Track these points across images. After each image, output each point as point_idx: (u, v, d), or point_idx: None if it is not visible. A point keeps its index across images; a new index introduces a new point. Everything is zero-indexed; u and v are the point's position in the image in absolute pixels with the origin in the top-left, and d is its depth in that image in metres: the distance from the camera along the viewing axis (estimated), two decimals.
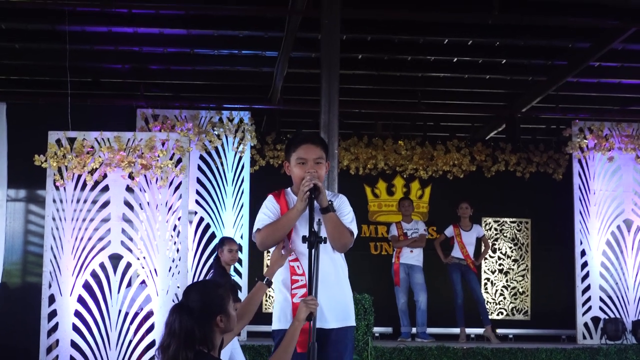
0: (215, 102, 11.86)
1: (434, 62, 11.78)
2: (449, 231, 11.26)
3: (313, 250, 4.13)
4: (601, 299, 10.87)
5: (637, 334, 10.68)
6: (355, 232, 4.55)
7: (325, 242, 4.24)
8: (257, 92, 12.59)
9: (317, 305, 4.04)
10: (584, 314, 10.82)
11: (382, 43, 11.19)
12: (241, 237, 10.68)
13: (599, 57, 10.93)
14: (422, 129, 13.84)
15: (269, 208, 4.54)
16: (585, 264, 10.93)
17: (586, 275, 10.90)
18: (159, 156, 9.05)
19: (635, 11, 9.72)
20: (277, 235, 4.43)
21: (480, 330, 11.85)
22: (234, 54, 11.52)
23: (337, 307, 4.50)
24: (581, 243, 10.96)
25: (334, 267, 4.53)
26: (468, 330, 11.18)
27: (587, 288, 10.88)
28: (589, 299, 10.86)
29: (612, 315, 10.80)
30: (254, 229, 4.53)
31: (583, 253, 10.95)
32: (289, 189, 4.64)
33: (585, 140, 11.14)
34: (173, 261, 9.00)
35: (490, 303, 12.44)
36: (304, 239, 4.20)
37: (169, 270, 8.95)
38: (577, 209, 11.02)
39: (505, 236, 12.66)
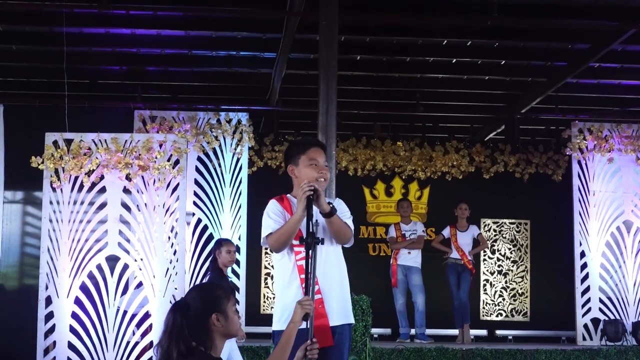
0: (213, 104, 11.86)
1: (432, 63, 11.80)
2: (446, 232, 11.28)
3: (310, 251, 4.23)
4: (601, 301, 10.87)
5: (637, 335, 10.68)
6: (353, 227, 4.72)
7: (322, 243, 4.34)
8: (255, 93, 12.61)
9: (313, 307, 4.10)
10: (583, 315, 10.83)
11: (380, 44, 11.21)
12: (239, 239, 10.67)
13: (599, 58, 10.93)
14: (420, 130, 13.83)
15: (275, 212, 4.63)
16: (584, 266, 10.93)
17: (586, 277, 10.90)
18: (156, 157, 9.07)
19: (634, 12, 9.72)
20: (285, 240, 4.52)
21: (478, 332, 11.88)
22: (232, 55, 11.55)
23: (340, 304, 4.63)
24: (580, 244, 10.96)
25: (338, 265, 4.68)
26: None
27: (587, 289, 10.89)
28: (588, 300, 10.86)
29: (612, 317, 10.80)
30: (264, 234, 4.60)
31: (582, 254, 10.95)
32: (289, 195, 4.74)
33: (584, 141, 11.14)
34: (170, 262, 9.01)
35: (489, 304, 12.44)
36: (302, 240, 4.33)
37: (167, 272, 8.96)
38: (576, 210, 11.02)
39: (505, 237, 12.65)
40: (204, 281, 9.67)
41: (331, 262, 4.62)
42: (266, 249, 4.52)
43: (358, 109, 12.98)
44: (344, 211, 4.71)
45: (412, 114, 13.42)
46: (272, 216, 4.61)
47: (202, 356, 3.53)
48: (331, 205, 4.52)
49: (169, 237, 9.05)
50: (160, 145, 9.13)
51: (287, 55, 10.47)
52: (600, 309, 10.84)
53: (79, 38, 10.58)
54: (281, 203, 4.68)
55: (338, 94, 8.97)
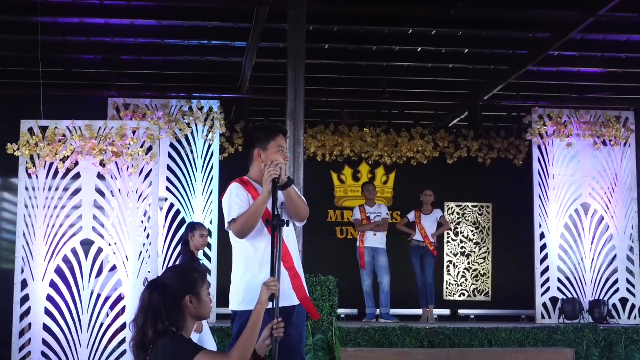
0: (186, 92, 11.99)
1: (398, 52, 11.94)
2: (411, 215, 11.58)
3: (276, 234, 4.34)
4: (559, 280, 11.16)
5: (593, 313, 10.98)
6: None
7: (287, 226, 4.49)
8: (227, 81, 12.68)
9: (278, 287, 4.20)
10: (542, 294, 11.12)
11: (347, 33, 11.33)
12: (210, 223, 10.81)
13: (558, 46, 11.12)
14: (387, 117, 14.00)
15: (239, 197, 4.68)
16: (544, 247, 11.22)
17: (545, 257, 11.19)
18: (130, 144, 9.17)
19: (592, 3, 9.89)
20: (252, 224, 4.58)
21: (442, 311, 12.14)
22: (204, 44, 11.61)
23: (298, 283, 4.75)
24: (540, 226, 11.25)
25: (295, 246, 4.81)
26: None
27: (546, 270, 11.18)
28: (547, 280, 11.15)
29: (569, 296, 11.10)
30: (229, 219, 4.66)
31: (542, 236, 11.24)
32: (247, 178, 4.82)
33: (544, 127, 11.40)
34: (144, 246, 9.14)
35: (452, 285, 12.76)
36: (267, 222, 4.45)
37: (140, 255, 9.10)
38: (536, 194, 11.30)
39: (467, 220, 12.95)
40: (176, 264, 9.87)
41: (293, 243, 4.74)
42: None
43: (326, 96, 13.13)
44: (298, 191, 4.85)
45: (379, 102, 13.60)
46: (237, 201, 4.64)
47: (174, 337, 3.62)
48: (288, 177, 4.63)
49: (142, 222, 9.17)
50: (134, 132, 9.24)
51: (257, 44, 10.60)
52: (558, 289, 11.13)
53: (54, 28, 10.61)
54: (245, 187, 4.72)
55: (306, 82, 9.15)
